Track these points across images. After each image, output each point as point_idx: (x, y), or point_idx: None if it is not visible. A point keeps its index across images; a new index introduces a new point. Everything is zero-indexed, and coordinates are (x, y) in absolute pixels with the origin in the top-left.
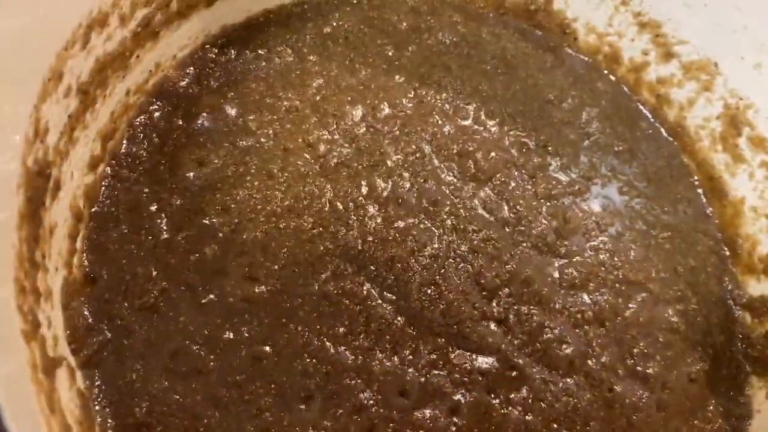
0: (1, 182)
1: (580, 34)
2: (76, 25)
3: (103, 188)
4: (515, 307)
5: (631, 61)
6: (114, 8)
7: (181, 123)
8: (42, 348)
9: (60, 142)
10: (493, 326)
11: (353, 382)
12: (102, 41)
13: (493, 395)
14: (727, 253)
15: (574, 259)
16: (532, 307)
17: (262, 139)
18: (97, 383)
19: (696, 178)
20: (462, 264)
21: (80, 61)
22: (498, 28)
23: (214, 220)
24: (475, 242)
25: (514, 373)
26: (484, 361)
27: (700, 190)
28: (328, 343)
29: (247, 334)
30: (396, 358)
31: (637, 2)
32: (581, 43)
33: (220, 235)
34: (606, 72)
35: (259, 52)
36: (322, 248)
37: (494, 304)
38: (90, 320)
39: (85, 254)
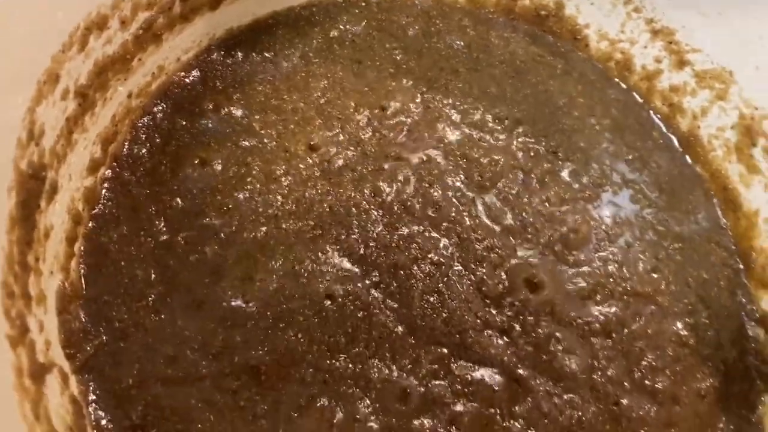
0: None
1: (592, 41)
2: (74, 27)
3: (103, 191)
4: (519, 318)
5: (644, 68)
6: (114, 11)
7: (184, 123)
8: (31, 353)
9: (57, 144)
10: (496, 336)
11: (351, 390)
12: (101, 44)
13: (495, 407)
14: (741, 266)
15: (582, 269)
16: (536, 317)
17: (265, 140)
18: (91, 388)
19: (709, 188)
20: (465, 272)
21: (78, 63)
22: (507, 32)
23: (215, 222)
24: (479, 251)
25: (517, 386)
26: (486, 372)
27: (714, 201)
28: (326, 351)
29: (240, 339)
30: (395, 367)
31: (650, 9)
32: (593, 50)
33: (222, 236)
34: (617, 80)
35: (266, 54)
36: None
37: (497, 314)
38: (86, 324)
39: (83, 257)
